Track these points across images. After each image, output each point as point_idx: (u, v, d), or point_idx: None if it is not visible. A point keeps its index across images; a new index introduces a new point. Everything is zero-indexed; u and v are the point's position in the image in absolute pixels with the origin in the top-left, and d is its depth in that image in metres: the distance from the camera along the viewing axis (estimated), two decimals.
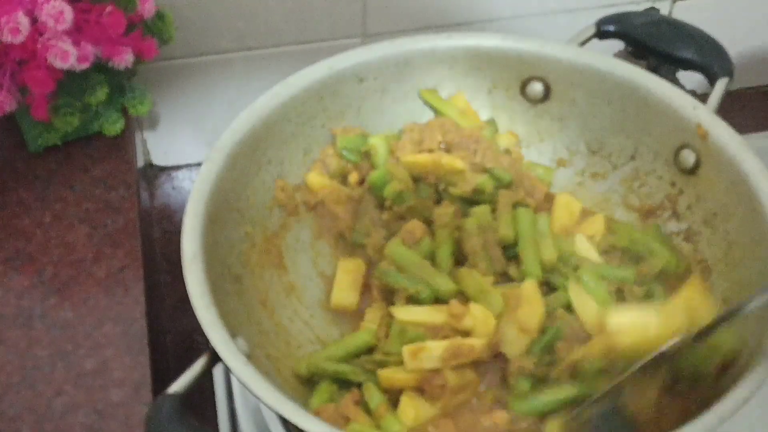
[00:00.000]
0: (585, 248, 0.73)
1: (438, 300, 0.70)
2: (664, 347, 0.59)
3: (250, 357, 0.61)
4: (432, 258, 0.72)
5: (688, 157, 0.75)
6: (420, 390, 0.66)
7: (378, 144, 0.78)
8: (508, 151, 0.80)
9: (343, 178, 0.78)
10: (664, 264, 0.73)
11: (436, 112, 0.80)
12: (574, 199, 0.78)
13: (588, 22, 0.83)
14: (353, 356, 0.69)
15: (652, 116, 0.76)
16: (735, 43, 0.81)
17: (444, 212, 0.73)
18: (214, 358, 0.61)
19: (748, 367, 0.60)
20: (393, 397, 0.67)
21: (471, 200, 0.75)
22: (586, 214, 0.77)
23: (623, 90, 0.77)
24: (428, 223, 0.74)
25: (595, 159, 0.80)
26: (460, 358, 0.66)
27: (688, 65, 0.80)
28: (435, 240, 0.73)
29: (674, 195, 0.76)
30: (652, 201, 0.77)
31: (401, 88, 0.80)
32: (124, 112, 0.89)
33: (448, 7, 0.95)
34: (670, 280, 0.73)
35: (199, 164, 0.70)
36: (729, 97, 0.78)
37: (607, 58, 0.78)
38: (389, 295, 0.72)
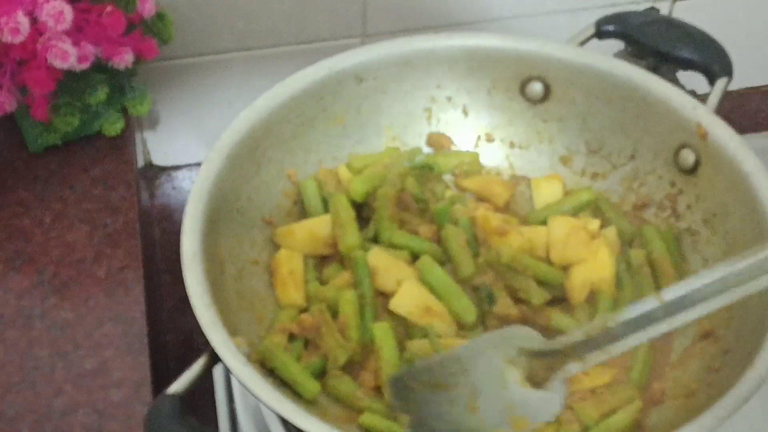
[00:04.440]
0: None
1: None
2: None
3: (249, 357, 0.61)
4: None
5: (688, 157, 0.74)
6: None
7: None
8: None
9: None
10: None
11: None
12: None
13: (588, 22, 0.83)
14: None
15: (651, 116, 0.76)
16: (735, 43, 0.81)
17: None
18: (214, 358, 0.61)
19: (747, 368, 0.60)
20: None
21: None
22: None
23: (623, 90, 0.77)
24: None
25: (595, 159, 0.80)
26: None
27: (688, 65, 0.80)
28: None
29: (674, 195, 0.76)
30: (652, 201, 0.78)
31: (401, 88, 0.80)
32: (124, 112, 0.89)
33: (448, 7, 0.95)
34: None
35: (199, 164, 0.70)
36: (729, 97, 0.78)
37: (607, 58, 0.78)
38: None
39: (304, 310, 0.71)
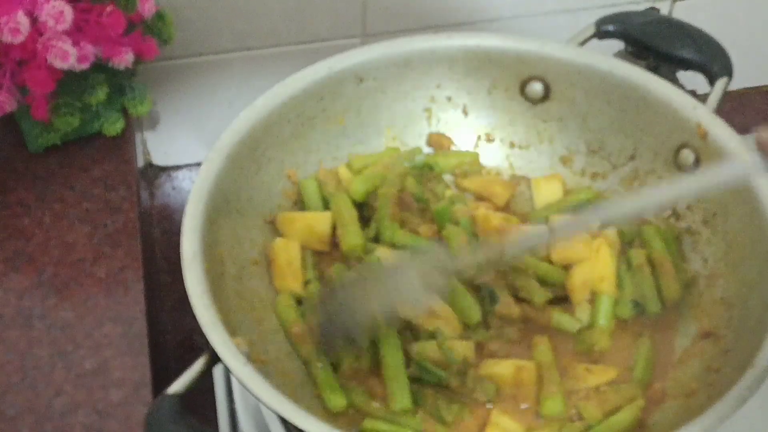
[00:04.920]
0: None
1: None
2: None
3: (249, 357, 0.61)
4: None
5: (688, 157, 0.75)
6: None
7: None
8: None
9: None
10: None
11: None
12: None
13: (588, 22, 0.83)
14: None
15: (651, 116, 0.76)
16: (735, 43, 0.81)
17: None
18: (214, 358, 0.61)
19: (747, 368, 0.60)
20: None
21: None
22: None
23: (623, 90, 0.77)
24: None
25: (595, 159, 0.80)
26: None
27: (688, 65, 0.80)
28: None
29: None
30: None
31: (401, 88, 0.80)
32: (124, 112, 0.89)
33: (448, 7, 0.95)
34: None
35: (199, 164, 0.70)
36: (729, 97, 0.78)
37: (607, 58, 0.78)
38: None
39: (300, 299, 0.72)
